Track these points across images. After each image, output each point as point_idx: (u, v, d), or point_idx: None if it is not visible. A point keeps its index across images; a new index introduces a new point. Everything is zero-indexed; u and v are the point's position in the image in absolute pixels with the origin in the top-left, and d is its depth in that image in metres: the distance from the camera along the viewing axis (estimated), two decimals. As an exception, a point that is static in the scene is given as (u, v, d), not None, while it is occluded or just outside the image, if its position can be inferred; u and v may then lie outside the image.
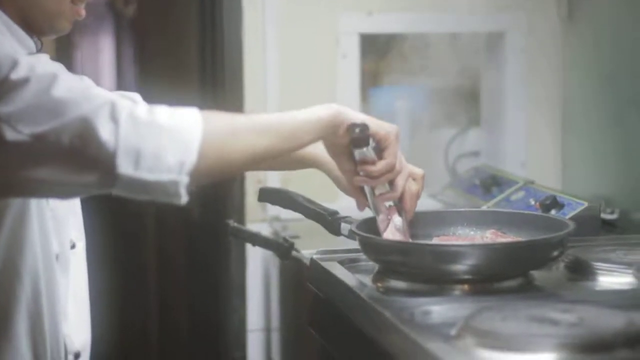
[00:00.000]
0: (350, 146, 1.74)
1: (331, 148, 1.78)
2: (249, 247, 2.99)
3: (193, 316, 3.53)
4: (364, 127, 1.71)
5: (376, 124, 1.74)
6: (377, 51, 3.26)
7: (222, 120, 1.60)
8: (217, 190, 3.04)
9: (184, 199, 1.52)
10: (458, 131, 3.29)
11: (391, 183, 1.83)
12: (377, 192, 1.85)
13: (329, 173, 2.04)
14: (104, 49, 4.71)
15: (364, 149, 1.74)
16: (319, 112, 1.69)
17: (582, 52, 3.01)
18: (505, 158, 3.18)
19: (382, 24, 3.11)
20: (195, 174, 1.51)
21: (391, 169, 1.78)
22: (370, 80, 3.23)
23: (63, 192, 1.58)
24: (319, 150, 2.05)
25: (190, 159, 1.50)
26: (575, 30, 3.05)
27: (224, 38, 3.06)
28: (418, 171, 1.92)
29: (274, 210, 2.94)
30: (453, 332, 1.58)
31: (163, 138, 1.49)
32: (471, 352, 1.49)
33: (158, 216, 3.64)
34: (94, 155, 1.46)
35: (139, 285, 3.67)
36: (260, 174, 2.99)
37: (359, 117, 1.73)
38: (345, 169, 1.81)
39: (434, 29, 3.15)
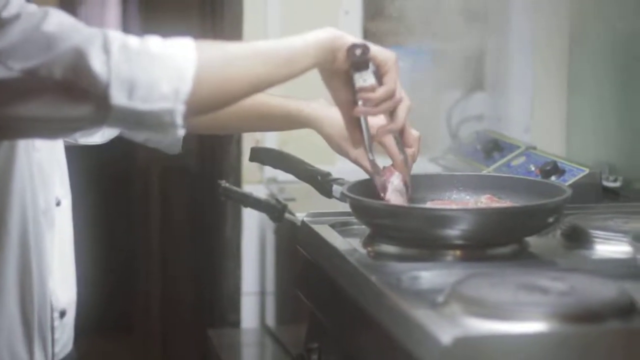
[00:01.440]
0: (350, 70, 1.66)
1: (328, 76, 1.70)
2: (244, 209, 2.95)
3: (187, 278, 3.50)
4: (365, 47, 1.65)
5: (376, 48, 1.68)
6: (381, 10, 3.20)
7: (216, 48, 1.56)
8: (214, 151, 2.99)
9: (180, 130, 1.49)
10: (461, 94, 3.23)
11: (391, 114, 1.74)
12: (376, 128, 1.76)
13: (320, 130, 1.99)
14: (109, 3, 4.68)
15: (365, 72, 1.66)
16: (317, 35, 1.63)
17: (590, 15, 2.95)
18: (508, 123, 3.12)
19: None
20: (192, 103, 1.48)
21: (391, 96, 1.69)
22: (373, 39, 3.16)
23: (54, 130, 1.56)
24: (310, 108, 2.00)
25: (185, 86, 1.47)
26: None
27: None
28: (414, 133, 1.86)
29: (270, 172, 2.89)
30: (440, 298, 1.53)
31: (156, 67, 1.46)
32: (457, 319, 1.44)
33: (152, 177, 3.60)
34: (86, 86, 1.44)
35: (130, 246, 3.64)
36: (258, 135, 2.94)
37: (357, 39, 1.67)
38: (342, 100, 1.72)
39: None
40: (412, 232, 1.81)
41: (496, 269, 1.68)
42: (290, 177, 2.49)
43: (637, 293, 1.53)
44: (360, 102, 1.69)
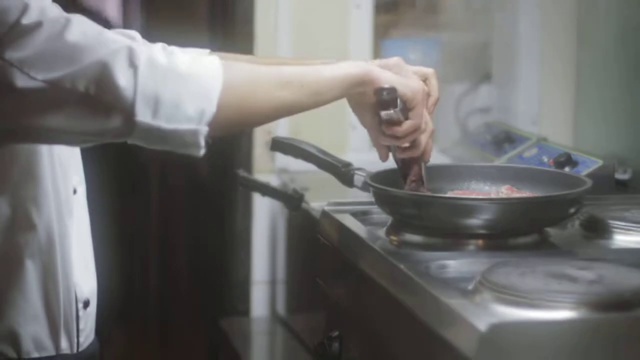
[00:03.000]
0: (377, 108, 1.70)
1: (356, 105, 1.74)
2: (255, 198, 2.97)
3: (197, 267, 3.52)
4: (392, 90, 1.67)
5: (403, 85, 1.69)
6: (390, 3, 3.22)
7: (243, 70, 1.56)
8: (225, 140, 3.01)
9: (202, 150, 1.49)
10: (469, 86, 3.25)
11: (413, 141, 1.80)
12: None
13: None
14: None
15: (392, 111, 1.70)
16: (346, 69, 1.64)
17: (599, 5, 2.97)
18: (516, 114, 3.14)
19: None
20: (215, 125, 1.48)
21: (416, 129, 1.75)
22: (382, 32, 3.19)
23: (75, 140, 1.55)
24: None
25: (210, 108, 1.46)
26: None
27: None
28: (429, 127, 1.89)
29: (281, 161, 2.91)
30: (470, 286, 1.56)
31: (183, 86, 1.45)
32: (489, 307, 1.47)
33: (163, 166, 3.61)
34: (111, 101, 1.43)
35: (142, 235, 3.66)
36: (270, 124, 2.95)
37: (387, 77, 1.68)
38: (369, 125, 1.78)
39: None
40: (437, 222, 1.83)
41: (521, 258, 1.71)
42: (300, 166, 2.51)
43: (662, 282, 1.56)
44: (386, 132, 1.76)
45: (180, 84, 1.46)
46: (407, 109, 1.72)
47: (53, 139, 1.55)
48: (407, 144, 1.80)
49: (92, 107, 1.43)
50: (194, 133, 1.47)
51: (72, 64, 1.42)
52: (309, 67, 1.62)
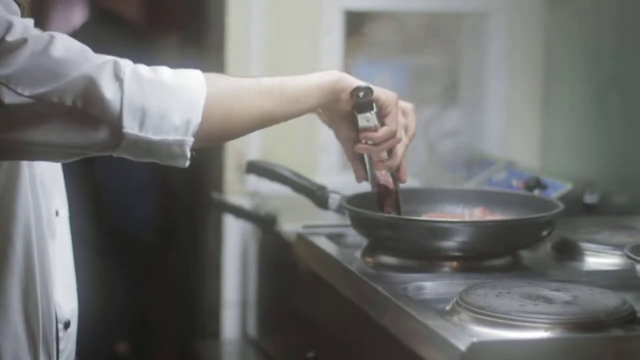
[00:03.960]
0: (354, 111, 1.71)
1: (332, 115, 1.76)
2: (226, 220, 2.98)
3: (169, 289, 3.52)
4: (368, 90, 1.68)
5: (378, 89, 1.72)
6: (360, 28, 3.25)
7: (225, 81, 1.58)
8: (197, 162, 3.02)
9: (187, 161, 1.50)
10: (437, 110, 3.29)
11: (390, 151, 1.80)
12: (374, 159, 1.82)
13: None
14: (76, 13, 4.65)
15: (368, 113, 1.70)
16: (320, 77, 1.67)
17: (565, 32, 3.02)
18: (484, 138, 3.19)
19: (367, 2, 3.12)
20: (200, 135, 1.48)
21: (393, 136, 1.75)
22: (352, 56, 3.22)
23: (64, 155, 1.55)
24: None
25: (196, 118, 1.47)
26: (558, 10, 3.06)
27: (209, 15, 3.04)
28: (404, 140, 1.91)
29: (253, 184, 2.93)
30: (447, 307, 1.59)
31: (168, 97, 1.47)
32: (468, 327, 1.51)
33: (138, 186, 3.61)
34: (99, 114, 1.44)
35: (113, 257, 3.65)
36: (241, 147, 2.97)
37: (361, 83, 1.70)
38: (344, 137, 1.78)
39: (418, 7, 3.15)
40: (413, 244, 1.86)
41: (496, 280, 1.74)
42: (272, 189, 2.54)
43: (636, 302, 1.60)
44: (362, 140, 1.75)
45: (166, 94, 1.47)
46: (382, 115, 1.73)
47: (40, 154, 1.55)
48: (384, 156, 1.80)
49: (80, 120, 1.44)
50: (181, 144, 1.47)
51: (58, 79, 1.43)
52: (286, 77, 1.64)
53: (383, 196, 1.88)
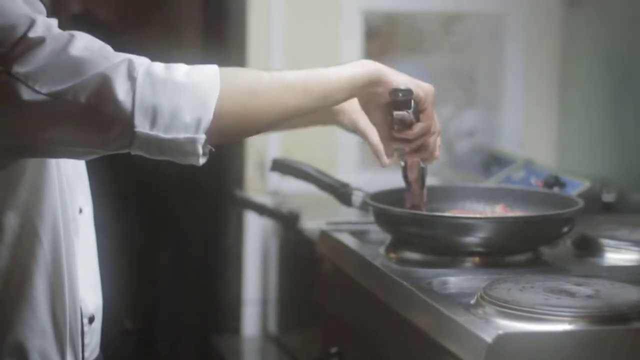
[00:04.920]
0: (391, 109, 1.67)
1: (366, 103, 1.71)
2: (247, 217, 3.01)
3: (190, 285, 3.55)
4: (408, 92, 1.64)
5: (417, 86, 1.68)
6: (378, 29, 3.28)
7: (243, 77, 1.56)
8: (218, 160, 3.05)
9: (201, 159, 1.50)
10: (455, 110, 3.32)
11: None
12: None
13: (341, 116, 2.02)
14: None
15: (405, 112, 1.67)
16: (353, 69, 1.62)
17: (582, 33, 3.04)
18: (502, 137, 3.21)
19: (386, 2, 3.14)
20: (213, 132, 1.48)
21: (427, 132, 1.74)
22: (371, 57, 3.25)
23: (78, 152, 1.57)
24: None
25: (207, 116, 1.47)
26: (575, 12, 3.08)
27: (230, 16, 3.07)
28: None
29: (273, 182, 2.96)
30: (472, 301, 1.63)
31: (179, 96, 1.47)
32: (493, 320, 1.54)
33: (158, 186, 3.64)
34: (111, 113, 1.45)
35: (137, 254, 3.68)
36: (261, 145, 3.00)
37: (398, 76, 1.66)
38: (378, 122, 1.74)
39: (437, 7, 3.18)
40: (436, 240, 1.89)
41: (518, 275, 1.76)
42: (293, 187, 2.58)
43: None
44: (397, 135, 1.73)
45: (177, 93, 1.48)
46: (418, 111, 1.70)
47: (57, 152, 1.57)
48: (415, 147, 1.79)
49: (93, 118, 1.46)
50: (192, 142, 1.48)
51: (75, 77, 1.45)
52: (314, 71, 1.60)
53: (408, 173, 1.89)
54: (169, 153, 1.50)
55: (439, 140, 1.81)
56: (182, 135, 1.48)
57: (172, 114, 1.47)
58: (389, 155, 1.80)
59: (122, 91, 1.45)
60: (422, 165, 1.86)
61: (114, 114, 1.45)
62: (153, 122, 1.46)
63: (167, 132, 1.47)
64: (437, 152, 1.83)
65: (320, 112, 1.90)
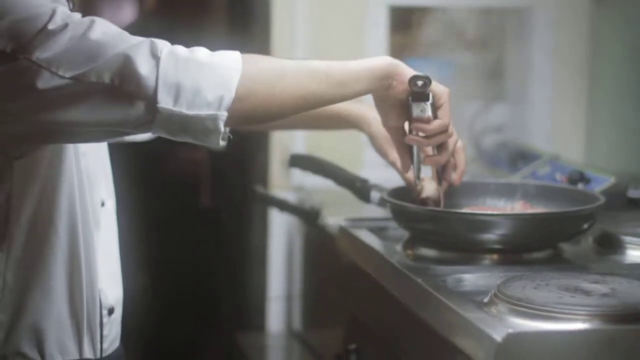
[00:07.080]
0: (409, 99, 1.66)
1: (382, 102, 1.72)
2: (271, 214, 3.01)
3: (215, 281, 3.55)
4: (427, 80, 1.64)
5: (434, 81, 1.69)
6: (406, 23, 3.26)
7: (268, 61, 1.59)
8: (243, 157, 3.05)
9: (221, 139, 1.52)
10: (483, 105, 3.30)
11: (440, 146, 1.78)
12: (424, 153, 1.79)
13: (367, 130, 2.04)
14: (126, 11, 4.69)
15: (423, 104, 1.66)
16: (372, 61, 1.65)
17: (611, 28, 3.01)
18: (529, 132, 3.18)
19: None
20: (235, 112, 1.50)
21: (445, 130, 1.73)
22: (397, 52, 3.23)
23: (103, 134, 1.60)
24: (357, 109, 2.05)
25: (229, 94, 1.50)
26: (603, 6, 3.05)
27: (254, 8, 3.07)
28: (459, 144, 1.92)
29: (297, 178, 2.96)
30: (486, 299, 1.61)
31: (202, 74, 1.50)
32: (505, 318, 1.52)
33: (183, 182, 3.66)
34: (134, 90, 1.48)
35: (160, 249, 3.70)
36: (286, 141, 3.00)
37: (416, 72, 1.67)
38: (393, 126, 1.75)
39: (464, 2, 3.16)
40: (453, 236, 1.87)
41: (535, 272, 1.74)
42: (317, 183, 2.56)
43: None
44: (413, 131, 1.72)
45: (200, 72, 1.50)
46: (435, 107, 1.69)
47: (79, 135, 1.59)
48: (432, 150, 1.78)
49: (116, 97, 1.48)
50: (214, 119, 1.50)
51: (97, 59, 1.48)
52: (335, 61, 1.63)
53: (426, 200, 1.90)
54: (191, 131, 1.52)
55: (463, 157, 1.81)
56: (204, 112, 1.49)
57: (195, 91, 1.49)
58: (405, 165, 1.80)
59: (145, 69, 1.48)
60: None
61: (137, 91, 1.48)
62: (176, 99, 1.48)
63: (190, 108, 1.49)
64: (450, 175, 1.88)
65: (347, 120, 1.93)
